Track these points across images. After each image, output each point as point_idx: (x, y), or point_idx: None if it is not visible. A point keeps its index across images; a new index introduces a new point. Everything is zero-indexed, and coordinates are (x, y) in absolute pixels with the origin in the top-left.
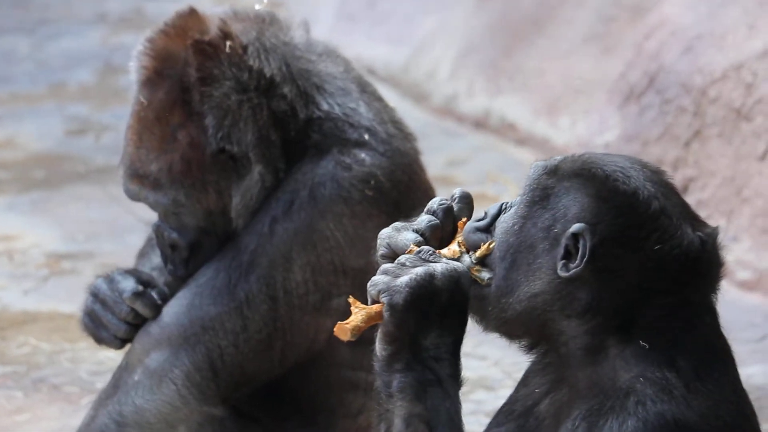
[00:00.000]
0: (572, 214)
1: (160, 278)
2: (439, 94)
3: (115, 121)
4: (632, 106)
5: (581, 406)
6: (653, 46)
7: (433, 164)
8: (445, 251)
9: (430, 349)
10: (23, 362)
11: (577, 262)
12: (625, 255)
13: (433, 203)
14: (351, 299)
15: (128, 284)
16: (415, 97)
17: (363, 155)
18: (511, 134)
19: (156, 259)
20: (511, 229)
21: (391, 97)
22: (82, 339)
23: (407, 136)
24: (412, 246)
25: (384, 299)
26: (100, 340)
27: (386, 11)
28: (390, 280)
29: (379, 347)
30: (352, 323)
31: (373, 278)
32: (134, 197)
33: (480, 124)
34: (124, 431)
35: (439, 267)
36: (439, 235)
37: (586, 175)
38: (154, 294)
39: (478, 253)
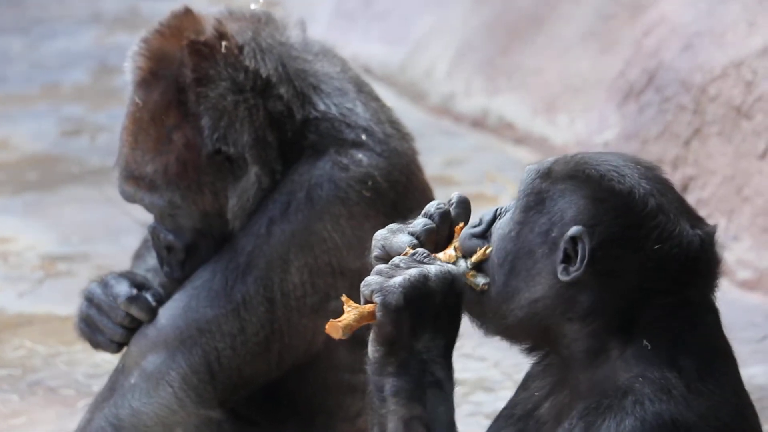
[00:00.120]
0: (569, 217)
1: (155, 279)
2: (436, 93)
3: (110, 121)
4: (631, 105)
5: (580, 406)
6: (652, 43)
7: (430, 164)
8: (440, 255)
9: (423, 351)
10: (19, 365)
11: (576, 265)
12: (625, 256)
13: (430, 207)
14: (344, 297)
15: (122, 288)
16: (412, 97)
17: (360, 156)
18: (510, 133)
19: (151, 260)
20: (508, 236)
21: (388, 96)
22: (78, 342)
23: (405, 136)
24: (407, 248)
25: (377, 299)
26: (96, 345)
27: (383, 10)
28: (383, 280)
29: (371, 348)
30: (344, 321)
31: (367, 278)
32: (130, 199)
33: (478, 123)
34: None
35: (433, 269)
36: (434, 239)
37: (580, 177)
38: (148, 297)
39: (474, 258)
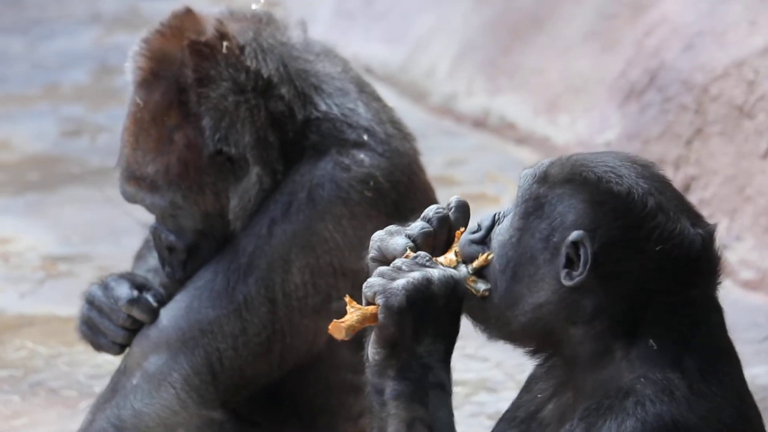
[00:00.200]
0: (569, 221)
1: (156, 279)
2: (437, 93)
3: (111, 121)
4: (633, 104)
5: (581, 407)
6: (654, 43)
7: (431, 164)
8: (441, 260)
9: (424, 355)
10: (20, 366)
11: (580, 269)
12: (627, 257)
13: (429, 211)
14: (347, 298)
15: (123, 290)
16: (413, 97)
17: (362, 156)
18: (511, 133)
19: (152, 260)
20: (508, 242)
21: (389, 96)
22: (80, 342)
23: (406, 137)
24: (408, 251)
25: (380, 301)
26: (98, 347)
27: (384, 9)
28: (386, 282)
29: (371, 351)
30: (347, 322)
31: (369, 280)
32: (131, 199)
33: (479, 123)
34: None
35: (436, 273)
36: (431, 243)
37: (577, 180)
38: (149, 298)
39: (475, 264)
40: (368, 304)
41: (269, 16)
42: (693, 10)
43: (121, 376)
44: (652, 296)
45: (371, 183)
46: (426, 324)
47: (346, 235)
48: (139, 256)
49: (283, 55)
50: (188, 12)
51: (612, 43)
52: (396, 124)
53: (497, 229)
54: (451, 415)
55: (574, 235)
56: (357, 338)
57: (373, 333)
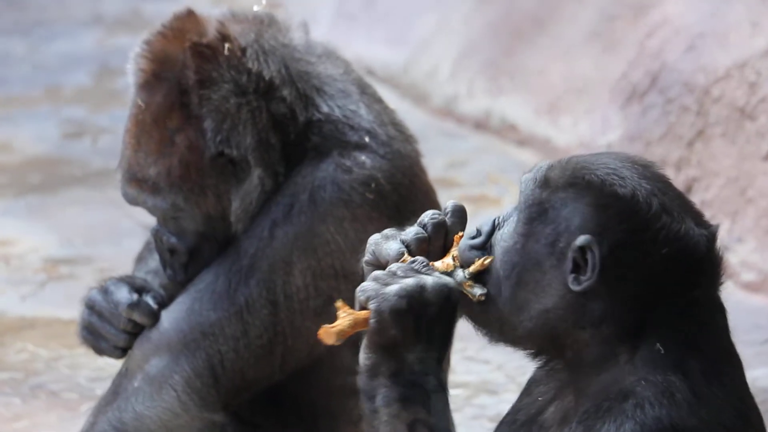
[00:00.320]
0: (575, 226)
1: (155, 281)
2: (439, 94)
3: (112, 123)
4: (635, 106)
5: (581, 410)
6: (656, 44)
7: (433, 166)
8: (438, 264)
9: (415, 362)
10: (21, 369)
11: (588, 274)
12: (634, 260)
13: (425, 216)
14: (339, 303)
15: (123, 294)
16: (414, 98)
17: (363, 158)
18: (512, 135)
19: (153, 262)
20: (513, 248)
21: (390, 98)
22: (81, 345)
23: (408, 138)
24: (405, 256)
25: (372, 306)
26: (100, 351)
27: (385, 11)
28: (379, 287)
29: (362, 356)
30: (338, 327)
31: (363, 284)
32: (133, 201)
33: (481, 124)
34: None
35: (430, 280)
36: (425, 249)
37: (580, 184)
38: (149, 301)
39: (472, 268)
40: (362, 308)
41: (271, 18)
42: (695, 12)
43: (122, 378)
44: (658, 298)
45: (373, 185)
46: (418, 331)
47: (347, 237)
48: (140, 258)
49: (284, 56)
50: (190, 14)
51: (614, 45)
52: (397, 125)
53: (499, 235)
54: (448, 422)
55: (581, 239)
56: (359, 342)
57: (365, 338)
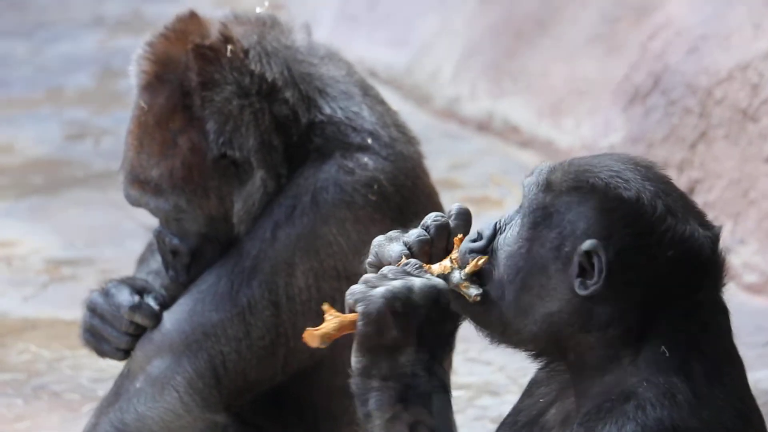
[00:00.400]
0: (580, 230)
1: (156, 281)
2: (441, 96)
3: (115, 125)
4: (637, 108)
5: (582, 411)
6: (658, 46)
7: (435, 168)
8: (436, 267)
9: (406, 365)
10: (23, 369)
11: (595, 279)
12: (640, 264)
13: (428, 218)
14: (326, 306)
15: (124, 297)
16: (417, 100)
17: (366, 159)
18: (515, 137)
19: (154, 263)
20: (517, 252)
21: (392, 99)
22: (83, 347)
23: (410, 140)
24: (403, 258)
25: (359, 308)
26: (102, 354)
27: (387, 13)
28: (367, 289)
29: (353, 359)
30: (322, 330)
31: (352, 287)
32: (135, 203)
33: (483, 126)
34: None
35: (418, 281)
36: (427, 251)
37: (584, 188)
38: (151, 302)
39: (467, 269)
40: (351, 311)
41: (273, 20)
42: (697, 14)
43: (124, 379)
44: (663, 300)
45: (375, 186)
46: (407, 333)
47: (350, 238)
48: (142, 260)
49: (287, 58)
50: (192, 15)
51: (616, 47)
52: (400, 127)
53: (502, 239)
54: (450, 423)
55: (588, 244)
56: None
57: (354, 341)
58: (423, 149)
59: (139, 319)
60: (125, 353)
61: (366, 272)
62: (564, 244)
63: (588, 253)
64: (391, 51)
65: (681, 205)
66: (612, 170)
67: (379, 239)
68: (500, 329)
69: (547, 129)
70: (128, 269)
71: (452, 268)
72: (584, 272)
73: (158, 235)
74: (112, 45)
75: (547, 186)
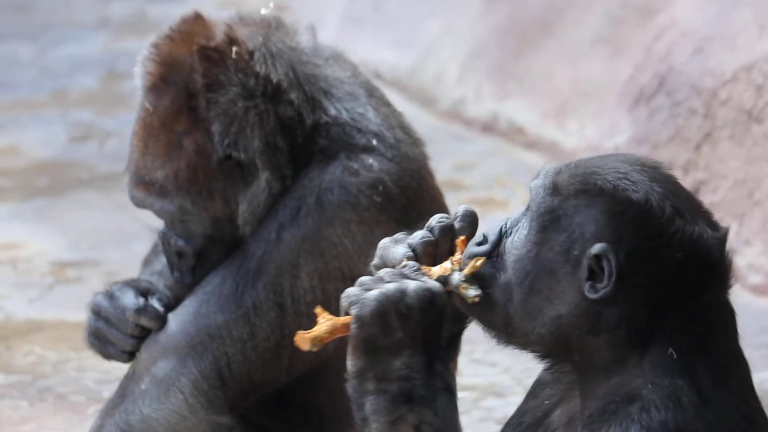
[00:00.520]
0: (589, 233)
1: (160, 282)
2: (446, 98)
3: (119, 127)
4: (642, 109)
5: (586, 413)
6: (663, 47)
7: (440, 169)
8: (436, 269)
9: (402, 368)
10: (28, 371)
11: (605, 282)
12: (650, 266)
13: (433, 220)
14: (318, 309)
15: (129, 300)
16: (422, 101)
17: (371, 161)
18: (520, 138)
19: (158, 264)
20: (526, 256)
21: (397, 101)
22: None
23: (416, 142)
24: (404, 260)
25: (353, 311)
26: (108, 356)
27: (392, 14)
28: (361, 292)
29: (349, 363)
30: (314, 333)
31: (348, 289)
32: (140, 204)
33: (488, 128)
34: None
35: (412, 284)
36: (432, 252)
37: (592, 190)
38: (156, 304)
39: (466, 270)
40: (346, 313)
41: (278, 21)
42: (702, 15)
43: (129, 381)
44: (672, 302)
45: (380, 188)
46: (402, 336)
47: (354, 240)
48: (147, 262)
49: (292, 59)
50: (197, 17)
51: (621, 48)
52: (405, 128)
53: (509, 242)
54: (454, 425)
55: (597, 248)
56: None
57: (349, 344)
58: (428, 150)
59: (144, 321)
60: (130, 355)
61: (372, 274)
62: (573, 247)
63: (598, 257)
64: (396, 52)
65: (689, 206)
66: (619, 172)
67: (384, 241)
68: (506, 330)
69: (552, 130)
70: (133, 271)
71: (452, 270)
72: (594, 275)
73: (163, 237)
74: (117, 47)
75: (555, 189)
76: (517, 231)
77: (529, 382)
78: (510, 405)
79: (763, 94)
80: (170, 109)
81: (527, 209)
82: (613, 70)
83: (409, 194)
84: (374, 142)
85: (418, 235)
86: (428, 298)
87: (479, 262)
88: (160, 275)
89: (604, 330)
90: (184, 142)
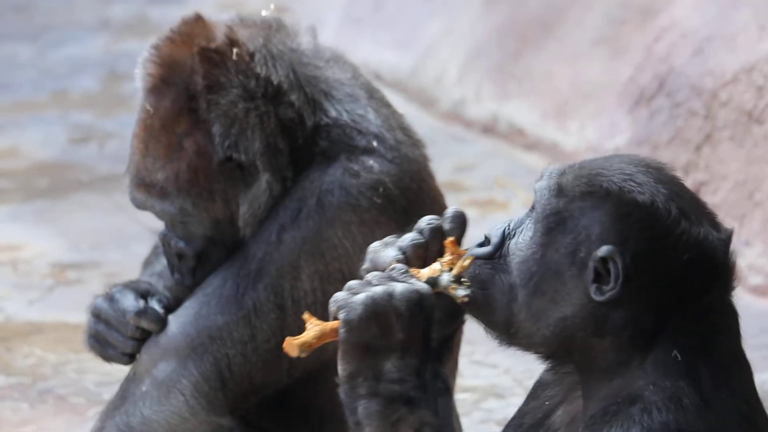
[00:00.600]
0: (595, 235)
1: (159, 283)
2: (446, 99)
3: (120, 128)
4: (642, 110)
5: (588, 414)
6: (663, 48)
7: (440, 170)
8: (425, 270)
9: (392, 371)
10: (29, 373)
11: (611, 284)
12: (656, 268)
13: (422, 221)
14: (306, 315)
15: (129, 302)
16: (422, 103)
17: (371, 162)
18: (520, 139)
19: (158, 265)
20: (531, 258)
21: (397, 102)
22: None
23: (416, 143)
24: (394, 263)
25: (341, 316)
26: (108, 359)
27: (392, 15)
28: (349, 296)
29: (340, 367)
30: (302, 339)
31: (336, 294)
32: (141, 206)
33: (488, 129)
34: None
35: (399, 287)
36: (422, 254)
37: (598, 192)
38: (156, 306)
39: (455, 270)
40: (334, 318)
41: (279, 23)
42: (702, 16)
43: (130, 383)
44: (677, 303)
45: (381, 189)
46: (391, 339)
47: (355, 241)
48: (147, 264)
49: (292, 61)
50: (198, 18)
51: (621, 49)
52: (405, 130)
53: (513, 244)
54: (450, 428)
55: (604, 250)
56: None
57: (339, 349)
58: (428, 152)
59: (145, 324)
60: (131, 357)
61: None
62: (579, 249)
63: (604, 259)
64: (396, 53)
65: (694, 207)
66: (625, 174)
67: (374, 245)
68: (509, 331)
69: (553, 131)
70: (134, 272)
71: (442, 271)
72: (600, 278)
73: (164, 238)
74: (118, 48)
75: (560, 190)
76: (521, 233)
77: (530, 383)
78: (511, 406)
79: (763, 95)
80: (171, 110)
81: (531, 211)
82: (613, 71)
83: (409, 196)
84: (375, 143)
85: (408, 238)
86: (416, 300)
87: (467, 262)
88: (160, 276)
89: (610, 332)
90: (184, 144)
